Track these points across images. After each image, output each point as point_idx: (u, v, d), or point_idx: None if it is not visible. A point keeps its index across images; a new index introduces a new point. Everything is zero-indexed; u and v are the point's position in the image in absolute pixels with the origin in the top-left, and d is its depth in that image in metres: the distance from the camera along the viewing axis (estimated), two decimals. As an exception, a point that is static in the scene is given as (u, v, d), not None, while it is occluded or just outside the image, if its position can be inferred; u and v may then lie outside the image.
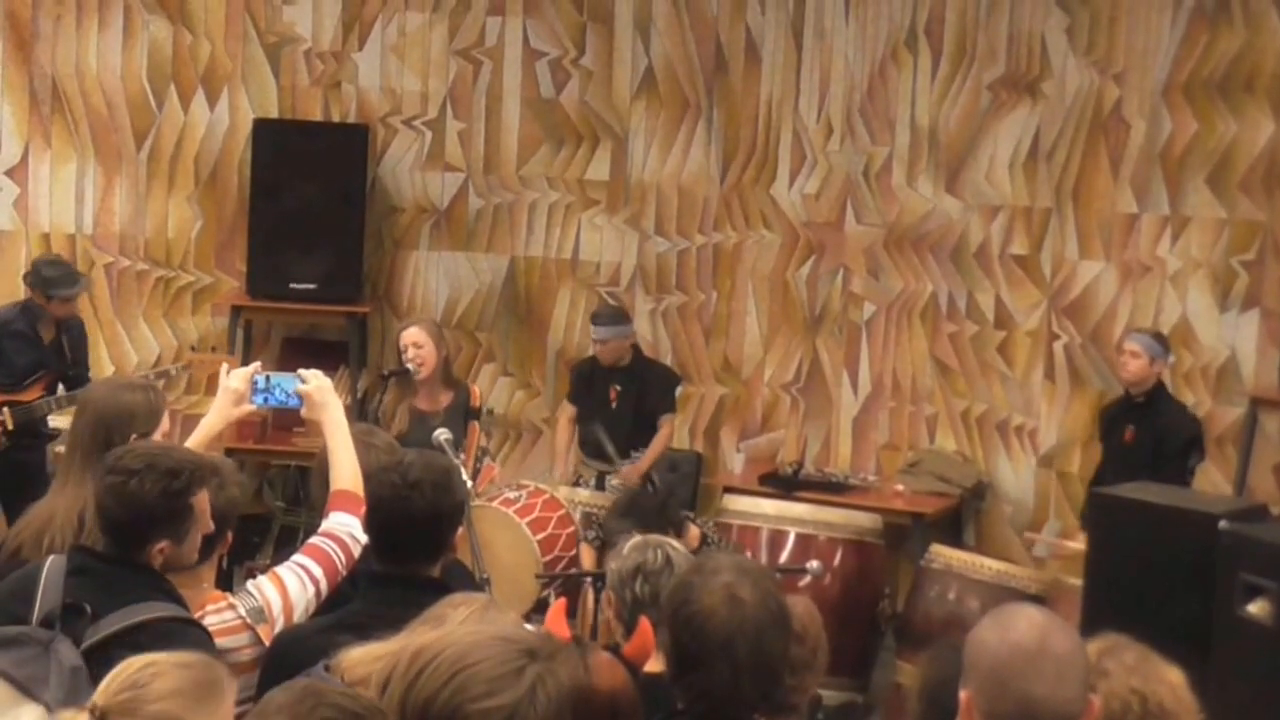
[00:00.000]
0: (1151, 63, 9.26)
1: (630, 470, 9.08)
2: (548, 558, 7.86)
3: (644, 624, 3.79)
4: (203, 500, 4.13)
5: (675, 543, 4.66)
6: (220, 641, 4.08)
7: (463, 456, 7.38)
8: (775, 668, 3.41)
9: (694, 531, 7.62)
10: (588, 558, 7.97)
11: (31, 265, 9.03)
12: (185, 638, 3.77)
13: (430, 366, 8.01)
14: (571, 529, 8.10)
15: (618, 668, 3.96)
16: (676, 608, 3.43)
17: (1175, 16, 9.17)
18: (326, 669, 3.48)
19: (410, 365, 8.00)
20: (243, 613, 4.24)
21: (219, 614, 4.24)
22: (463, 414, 7.98)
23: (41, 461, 8.58)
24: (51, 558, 4.17)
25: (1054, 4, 9.51)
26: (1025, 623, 3.12)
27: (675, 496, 9.12)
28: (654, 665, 3.57)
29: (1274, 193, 8.97)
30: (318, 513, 4.87)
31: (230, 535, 4.39)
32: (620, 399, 9.37)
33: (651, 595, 4.36)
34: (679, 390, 9.75)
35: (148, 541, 4.03)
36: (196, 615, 4.19)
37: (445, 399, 8.06)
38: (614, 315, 9.57)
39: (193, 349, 9.85)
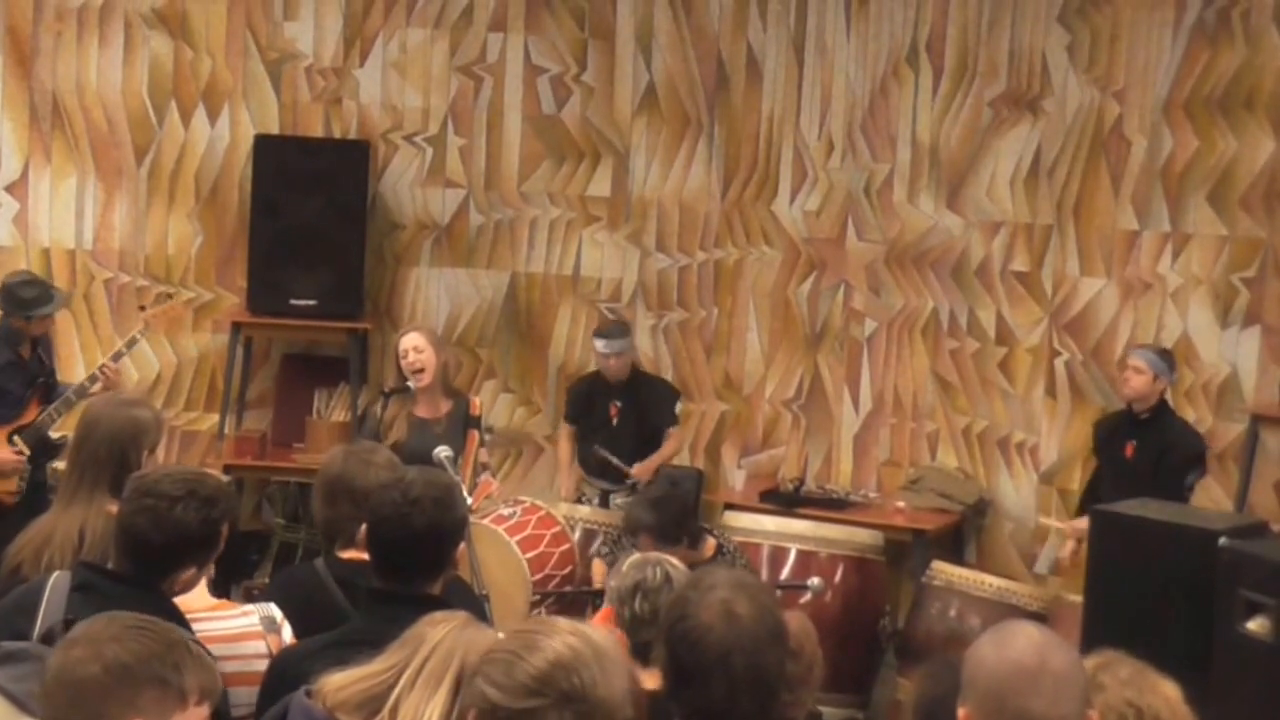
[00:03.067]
0: (1152, 80, 9.26)
1: (642, 468, 9.10)
2: (538, 576, 7.84)
3: (606, 610, 3.78)
4: (226, 528, 4.16)
5: (674, 560, 4.67)
6: (240, 646, 4.11)
7: (460, 471, 7.38)
8: (772, 683, 3.39)
9: (710, 542, 7.64)
10: (599, 573, 7.96)
11: (3, 288, 8.56)
12: None
13: (430, 373, 7.97)
14: (566, 546, 8.09)
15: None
16: (673, 623, 3.42)
17: (1176, 34, 9.18)
18: (308, 694, 3.48)
19: (410, 376, 7.97)
20: (257, 619, 4.25)
21: (239, 618, 4.26)
22: (462, 423, 7.95)
23: (45, 477, 8.59)
24: (56, 574, 4.18)
25: (1055, 21, 9.52)
26: (1024, 640, 3.13)
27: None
28: (651, 682, 3.57)
29: (1274, 210, 8.96)
30: (318, 530, 4.87)
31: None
32: (621, 416, 9.39)
33: (651, 612, 4.36)
34: (679, 405, 9.75)
35: (178, 567, 4.05)
36: (216, 615, 4.22)
37: (445, 407, 8.04)
38: (621, 328, 9.61)
39: (142, 307, 9.66)
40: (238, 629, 4.21)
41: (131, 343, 9.03)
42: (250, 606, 4.31)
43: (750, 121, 10.36)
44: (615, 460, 9.05)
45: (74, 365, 9.97)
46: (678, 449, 9.52)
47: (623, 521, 7.64)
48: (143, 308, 9.53)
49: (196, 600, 4.25)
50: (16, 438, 8.44)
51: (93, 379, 8.56)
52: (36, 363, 8.68)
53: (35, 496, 8.24)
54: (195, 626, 4.07)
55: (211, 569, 4.34)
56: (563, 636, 2.93)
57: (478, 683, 2.96)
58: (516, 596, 7.59)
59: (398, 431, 7.91)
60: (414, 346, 8.00)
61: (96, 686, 2.79)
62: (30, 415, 8.50)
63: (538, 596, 7.60)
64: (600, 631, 3.14)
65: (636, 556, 4.68)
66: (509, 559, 7.83)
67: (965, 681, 3.15)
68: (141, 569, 4.02)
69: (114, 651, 2.82)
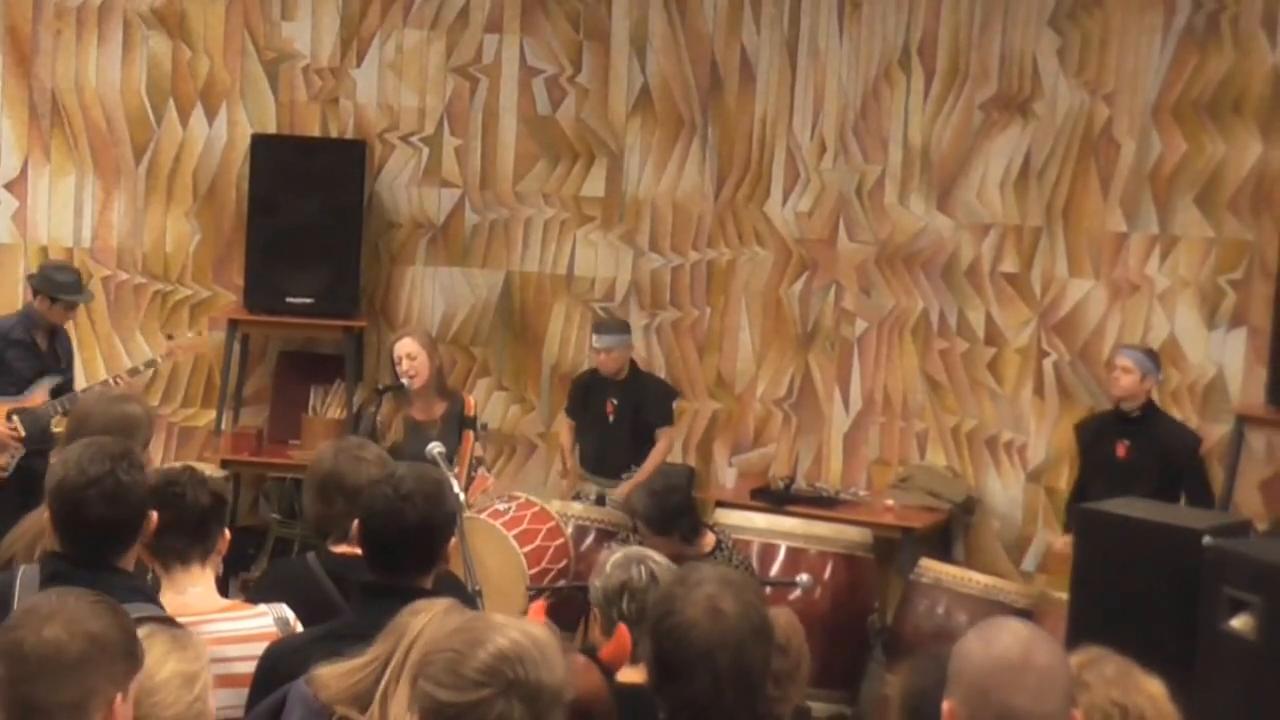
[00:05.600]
0: (1141, 84, 9.32)
1: (627, 487, 9.12)
2: (534, 570, 7.90)
3: (621, 629, 3.82)
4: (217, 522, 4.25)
5: (659, 557, 4.68)
6: (257, 647, 4.12)
7: (456, 470, 7.44)
8: (757, 679, 3.42)
9: (709, 538, 7.70)
10: None
11: (39, 269, 9.13)
12: None
13: (424, 376, 8.05)
14: (561, 540, 8.15)
15: (592, 671, 4.01)
16: (659, 619, 3.45)
17: (1165, 38, 9.24)
18: (306, 685, 3.54)
19: (404, 378, 8.05)
20: (271, 620, 4.29)
21: (254, 619, 4.28)
22: (457, 423, 8.01)
23: (44, 470, 8.63)
24: (23, 567, 4.17)
25: (1046, 25, 9.58)
26: (1009, 636, 3.15)
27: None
28: (636, 676, 3.62)
29: (1261, 213, 9.02)
30: (310, 525, 4.91)
31: (227, 535, 4.42)
32: (618, 412, 9.43)
33: (637, 612, 4.36)
34: (676, 404, 9.81)
35: (133, 540, 4.06)
36: (230, 616, 4.26)
37: (440, 409, 8.11)
38: (616, 325, 9.65)
39: (169, 337, 9.79)
40: (253, 630, 4.22)
41: (150, 364, 9.44)
42: (264, 607, 4.31)
43: (743, 123, 10.41)
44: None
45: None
46: (666, 454, 9.55)
47: (628, 511, 7.84)
48: (170, 336, 9.67)
49: (207, 601, 4.29)
50: (15, 417, 8.52)
51: (105, 386, 8.69)
52: (51, 355, 8.79)
53: (31, 485, 8.30)
54: (210, 628, 4.10)
55: (220, 566, 4.39)
56: (502, 630, 2.95)
57: (421, 685, 2.97)
58: (514, 591, 7.64)
59: (395, 434, 7.98)
60: (407, 354, 8.08)
61: (84, 662, 2.80)
62: (35, 402, 8.58)
63: (534, 591, 7.66)
64: (536, 624, 3.19)
65: (619, 555, 4.68)
66: (507, 554, 7.88)
67: (951, 675, 3.16)
68: (99, 550, 4.00)
69: (97, 627, 2.83)
